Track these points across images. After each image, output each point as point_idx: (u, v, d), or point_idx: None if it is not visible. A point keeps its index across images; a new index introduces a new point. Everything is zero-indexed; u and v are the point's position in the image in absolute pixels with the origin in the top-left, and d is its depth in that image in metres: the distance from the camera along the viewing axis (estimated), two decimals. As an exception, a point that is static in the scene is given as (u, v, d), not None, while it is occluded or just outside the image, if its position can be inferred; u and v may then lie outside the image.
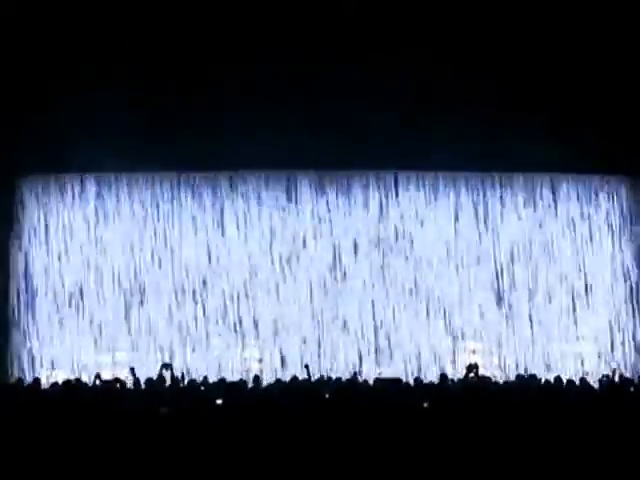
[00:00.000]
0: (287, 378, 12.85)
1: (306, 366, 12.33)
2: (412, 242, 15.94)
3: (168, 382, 11.31)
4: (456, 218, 16.08)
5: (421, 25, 14.43)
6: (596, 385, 11.69)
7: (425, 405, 9.99)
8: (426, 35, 14.41)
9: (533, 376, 12.66)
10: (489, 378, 12.07)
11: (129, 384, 11.55)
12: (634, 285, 16.09)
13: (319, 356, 15.51)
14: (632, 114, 15.05)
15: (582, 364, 15.77)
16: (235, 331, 15.64)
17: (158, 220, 15.81)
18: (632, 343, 15.94)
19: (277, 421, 9.81)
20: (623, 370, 12.57)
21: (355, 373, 12.72)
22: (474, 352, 15.68)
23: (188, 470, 9.58)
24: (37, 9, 13.95)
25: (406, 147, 14.86)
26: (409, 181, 16.06)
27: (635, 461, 9.48)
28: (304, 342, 15.48)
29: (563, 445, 9.63)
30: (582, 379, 12.17)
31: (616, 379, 12.56)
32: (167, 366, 11.54)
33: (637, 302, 16.06)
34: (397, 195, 16.01)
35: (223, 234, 15.85)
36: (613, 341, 15.94)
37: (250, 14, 14.13)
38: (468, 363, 12.49)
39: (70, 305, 15.57)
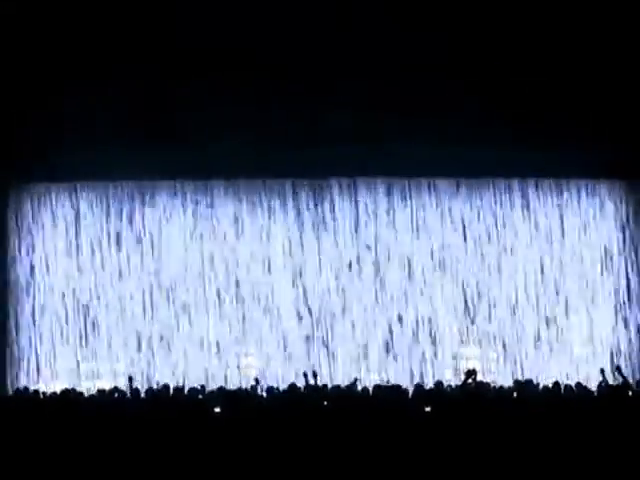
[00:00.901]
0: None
1: (304, 374, 12.33)
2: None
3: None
4: (447, 224, 16.06)
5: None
6: (594, 390, 11.69)
7: (427, 409, 10.03)
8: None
9: (530, 381, 12.66)
10: (488, 384, 12.06)
11: (127, 394, 11.54)
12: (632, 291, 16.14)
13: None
14: (627, 117, 15.03)
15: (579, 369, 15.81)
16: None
17: (155, 229, 15.78)
18: (630, 348, 15.98)
19: (276, 430, 9.83)
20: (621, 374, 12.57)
21: (355, 380, 12.70)
22: (472, 358, 15.72)
23: (187, 478, 9.61)
24: (35, 14, 13.96)
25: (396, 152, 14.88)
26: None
27: (635, 466, 9.53)
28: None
29: (563, 451, 9.66)
30: (578, 384, 12.15)
31: (614, 383, 12.54)
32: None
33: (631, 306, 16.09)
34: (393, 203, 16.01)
35: (218, 239, 15.81)
36: (612, 346, 15.98)
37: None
38: (467, 369, 12.49)
39: (67, 315, 15.52)
